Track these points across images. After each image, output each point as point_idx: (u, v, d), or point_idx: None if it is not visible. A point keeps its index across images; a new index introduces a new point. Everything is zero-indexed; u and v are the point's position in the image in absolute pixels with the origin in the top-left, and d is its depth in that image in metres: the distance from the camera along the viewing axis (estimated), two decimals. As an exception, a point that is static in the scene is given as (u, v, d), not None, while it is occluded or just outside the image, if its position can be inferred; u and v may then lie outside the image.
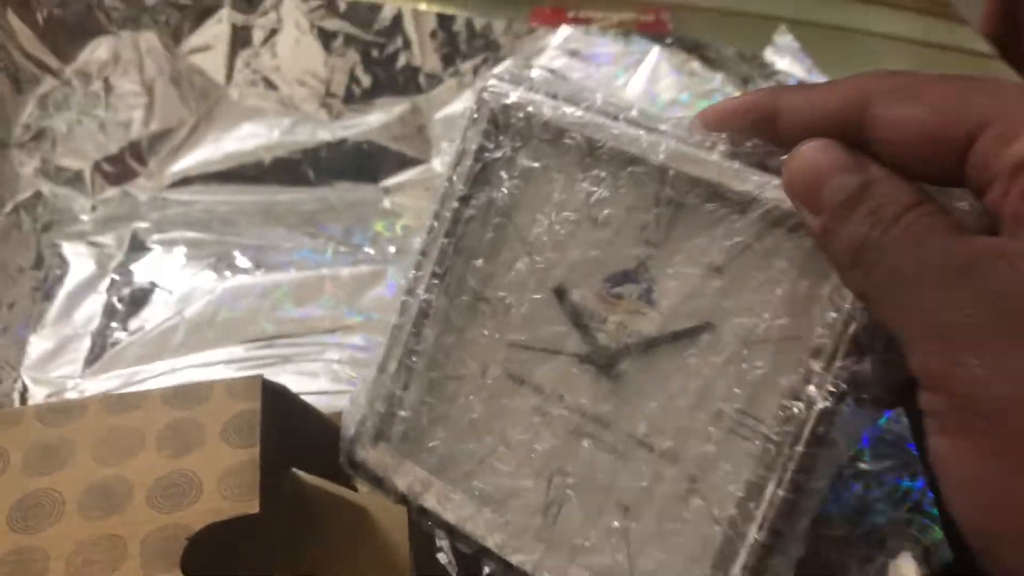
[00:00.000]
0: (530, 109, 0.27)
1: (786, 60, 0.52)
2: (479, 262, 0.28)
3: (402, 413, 0.30)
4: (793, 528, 0.23)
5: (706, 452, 0.24)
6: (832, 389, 0.22)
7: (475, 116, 0.28)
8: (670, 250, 0.26)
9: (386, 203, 0.51)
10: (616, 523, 0.26)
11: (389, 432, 0.30)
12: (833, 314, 0.22)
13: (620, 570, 0.25)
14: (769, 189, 0.24)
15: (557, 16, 0.67)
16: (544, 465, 0.27)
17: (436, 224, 0.28)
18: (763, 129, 0.24)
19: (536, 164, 0.28)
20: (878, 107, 0.22)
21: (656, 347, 0.26)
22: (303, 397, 0.37)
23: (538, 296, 0.28)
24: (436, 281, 0.28)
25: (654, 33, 0.65)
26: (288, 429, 0.33)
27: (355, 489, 0.36)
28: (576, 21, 0.67)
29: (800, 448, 0.22)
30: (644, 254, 0.26)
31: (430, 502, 0.28)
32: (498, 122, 0.28)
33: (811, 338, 0.23)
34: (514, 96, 0.28)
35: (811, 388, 0.23)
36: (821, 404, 0.22)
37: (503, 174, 0.28)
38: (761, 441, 0.23)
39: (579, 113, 0.27)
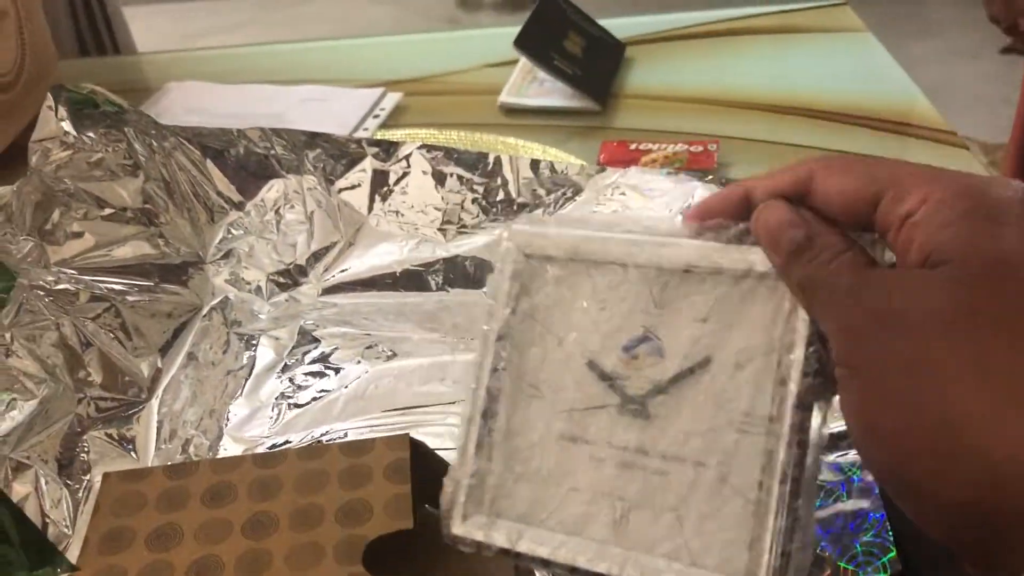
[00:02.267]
0: (544, 242, 0.33)
1: None
2: (527, 354, 0.33)
3: (490, 481, 0.33)
4: (803, 495, 0.27)
5: (727, 452, 0.29)
6: (806, 370, 0.28)
7: (507, 248, 0.33)
8: (669, 312, 0.30)
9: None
10: (670, 521, 0.29)
11: (481, 499, 0.33)
12: (800, 319, 0.28)
13: (683, 552, 0.29)
14: (744, 259, 0.29)
15: (621, 147, 0.74)
16: (607, 494, 0.31)
17: (489, 329, 0.33)
18: (740, 212, 0.29)
19: (558, 275, 0.32)
20: (819, 179, 0.28)
21: (672, 385, 0.30)
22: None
23: (576, 371, 0.32)
24: (497, 372, 0.33)
25: (699, 169, 0.73)
26: (424, 472, 0.39)
27: None
28: (636, 153, 0.74)
29: (790, 420, 0.28)
30: (649, 322, 0.31)
31: (525, 546, 0.31)
32: (524, 252, 0.33)
33: (783, 343, 0.28)
34: (534, 232, 0.33)
35: (793, 373, 0.28)
36: (801, 382, 0.28)
37: (533, 287, 0.33)
38: (764, 429, 0.28)
39: (584, 233, 0.32)
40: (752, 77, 0.86)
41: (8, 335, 0.49)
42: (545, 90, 0.82)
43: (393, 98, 0.84)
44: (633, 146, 0.74)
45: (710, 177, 0.60)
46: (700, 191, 0.59)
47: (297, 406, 0.52)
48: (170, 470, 0.41)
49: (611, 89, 0.84)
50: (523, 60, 0.85)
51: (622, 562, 0.30)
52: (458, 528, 0.33)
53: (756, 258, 0.29)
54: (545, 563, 0.31)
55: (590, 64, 0.82)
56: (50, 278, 0.54)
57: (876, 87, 0.83)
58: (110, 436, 0.51)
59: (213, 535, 0.38)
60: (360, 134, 0.75)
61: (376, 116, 0.81)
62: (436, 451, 0.44)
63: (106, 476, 0.41)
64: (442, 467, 0.43)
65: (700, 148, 0.73)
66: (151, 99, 0.88)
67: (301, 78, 0.90)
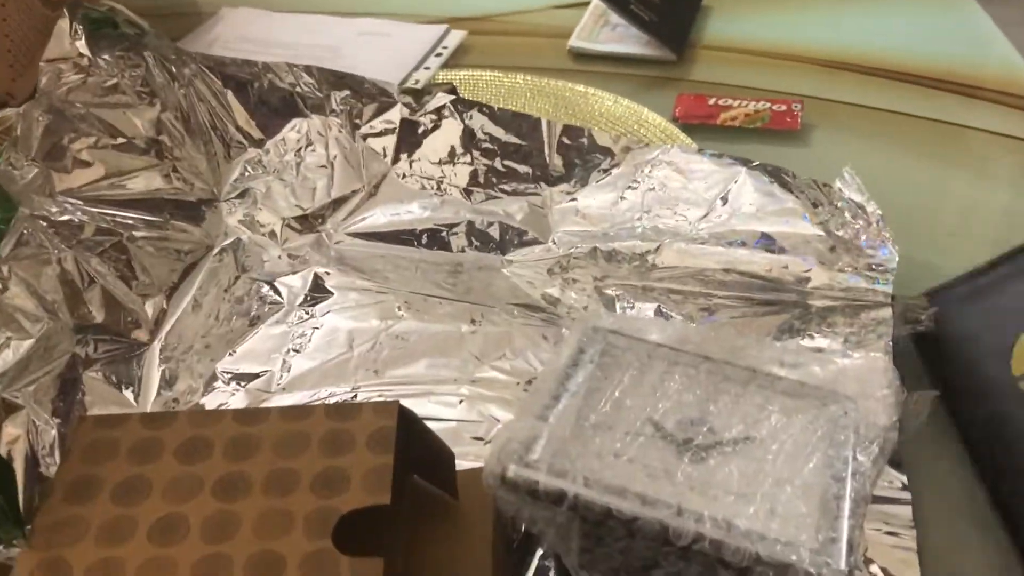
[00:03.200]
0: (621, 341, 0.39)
1: (852, 190, 0.55)
2: (593, 393, 0.37)
3: (548, 442, 0.35)
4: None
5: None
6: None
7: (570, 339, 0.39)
8: (719, 405, 0.36)
9: (506, 272, 0.55)
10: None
11: (536, 452, 0.35)
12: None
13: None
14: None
15: (699, 101, 0.71)
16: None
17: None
18: None
19: (632, 362, 0.38)
20: None
21: (727, 447, 0.35)
22: (439, 423, 0.44)
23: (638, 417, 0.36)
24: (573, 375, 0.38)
25: (782, 130, 0.69)
26: (412, 442, 0.39)
27: (455, 496, 0.43)
28: (715, 109, 0.71)
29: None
30: (708, 408, 0.36)
31: (586, 492, 0.33)
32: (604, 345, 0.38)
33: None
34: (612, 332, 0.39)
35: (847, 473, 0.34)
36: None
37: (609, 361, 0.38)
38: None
39: (656, 343, 0.39)
40: (840, 34, 0.82)
41: (5, 268, 0.49)
42: (618, 36, 0.79)
43: (457, 36, 0.81)
44: (712, 101, 0.72)
45: (755, 164, 0.57)
46: (744, 176, 0.56)
47: (305, 361, 0.51)
48: (147, 419, 0.40)
49: (688, 38, 0.81)
50: (595, 2, 0.82)
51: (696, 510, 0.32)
52: (512, 472, 0.34)
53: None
54: (606, 512, 0.33)
55: (667, 10, 0.79)
56: (54, 208, 0.53)
57: (974, 51, 0.78)
58: (109, 379, 0.51)
59: (182, 493, 0.37)
60: (421, 73, 0.73)
61: (438, 55, 0.78)
62: (440, 422, 0.43)
63: (81, 419, 0.41)
64: (432, 441, 0.42)
65: (783, 107, 0.70)
66: (204, 25, 0.86)
67: (361, 10, 0.87)
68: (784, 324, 0.50)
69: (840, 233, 0.53)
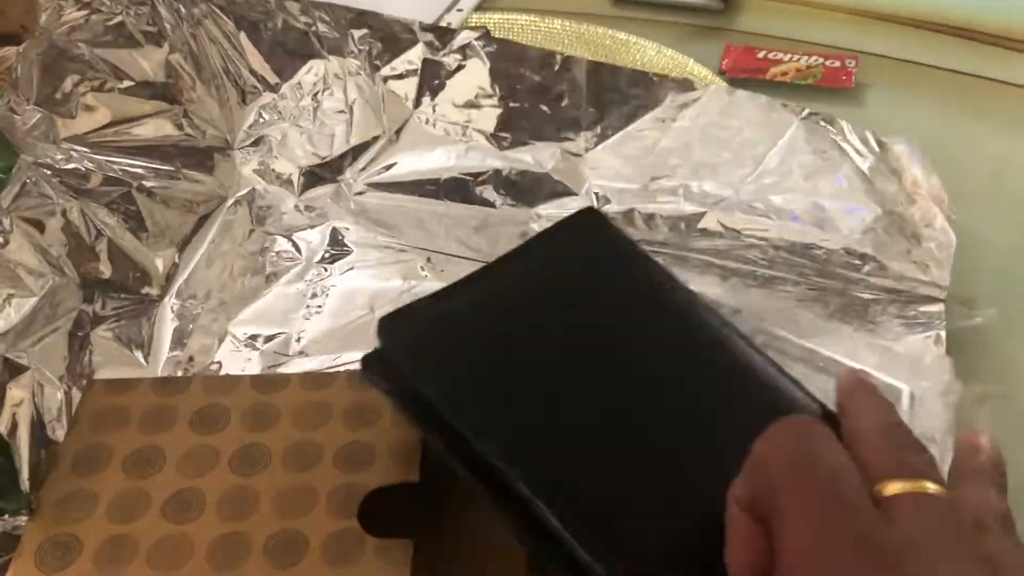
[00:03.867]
0: None
1: (911, 159, 0.52)
2: None
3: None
4: None
5: None
6: None
7: None
8: None
9: (535, 227, 0.53)
10: None
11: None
12: None
13: None
14: None
15: (748, 54, 0.68)
16: None
17: None
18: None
19: None
20: None
21: None
22: None
23: None
24: None
25: (835, 87, 0.66)
26: None
27: None
28: (765, 63, 0.68)
29: None
30: None
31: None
32: None
33: None
34: None
35: None
36: None
37: None
38: None
39: None
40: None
41: (7, 220, 0.47)
42: (663, -20, 0.76)
43: (493, -25, 0.77)
44: (761, 54, 0.69)
45: (806, 112, 0.54)
46: (795, 130, 0.53)
47: (323, 323, 0.49)
48: (160, 384, 0.39)
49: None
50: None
51: None
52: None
53: None
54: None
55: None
56: (59, 156, 0.51)
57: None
58: (118, 337, 0.49)
59: (198, 465, 0.35)
60: (453, 15, 0.70)
61: (472, -6, 0.74)
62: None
63: (89, 384, 0.39)
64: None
65: (837, 63, 0.67)
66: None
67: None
68: (833, 308, 0.48)
69: (897, 209, 0.50)
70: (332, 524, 0.33)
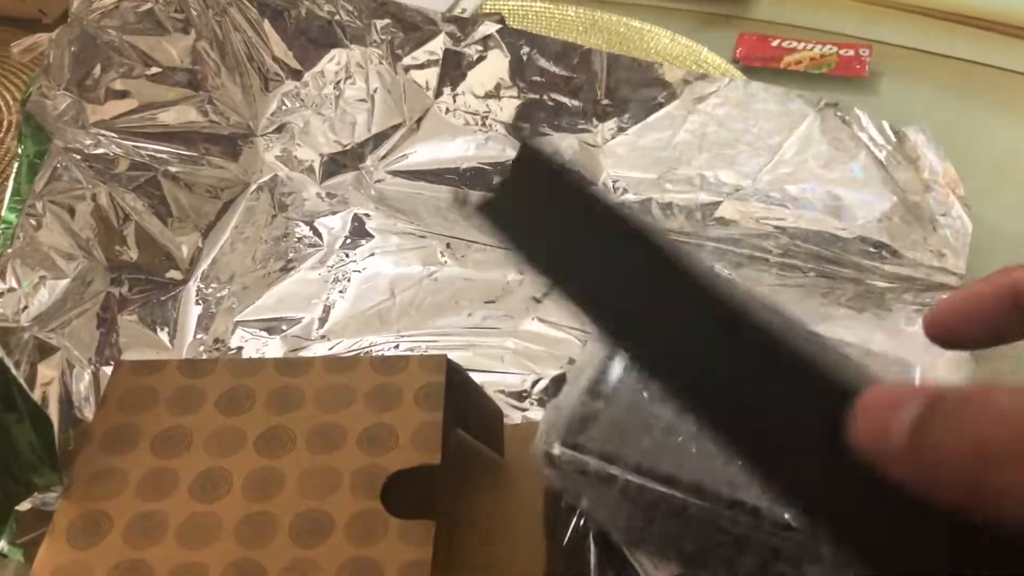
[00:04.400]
0: None
1: (927, 148, 0.52)
2: None
3: (599, 420, 0.33)
4: None
5: None
6: None
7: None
8: None
9: None
10: None
11: (587, 431, 0.33)
12: None
13: None
14: None
15: (762, 42, 0.68)
16: None
17: None
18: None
19: None
20: None
21: None
22: (483, 375, 0.43)
23: None
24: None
25: (849, 76, 0.66)
26: (459, 398, 0.38)
27: (502, 454, 0.42)
28: (779, 51, 0.68)
29: None
30: None
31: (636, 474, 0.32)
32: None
33: None
34: None
35: None
36: None
37: None
38: None
39: None
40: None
41: (39, 204, 0.48)
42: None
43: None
44: (775, 43, 0.69)
45: (823, 103, 0.54)
46: (811, 121, 0.53)
47: (345, 308, 0.50)
48: (186, 366, 0.39)
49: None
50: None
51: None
52: (560, 452, 0.33)
53: None
54: (658, 498, 0.31)
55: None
56: (88, 141, 0.52)
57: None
58: (144, 320, 0.50)
59: (224, 446, 0.36)
60: (468, 1, 0.70)
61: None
62: (483, 374, 0.41)
63: (118, 365, 0.40)
64: (479, 397, 0.40)
65: (851, 52, 0.67)
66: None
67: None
68: (848, 295, 0.48)
69: (913, 198, 0.50)
70: (356, 504, 0.33)
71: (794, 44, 0.68)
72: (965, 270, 0.49)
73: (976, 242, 0.49)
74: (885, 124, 0.53)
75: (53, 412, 0.43)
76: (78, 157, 0.51)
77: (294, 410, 0.37)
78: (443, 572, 0.33)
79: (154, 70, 0.55)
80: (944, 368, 0.44)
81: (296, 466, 0.35)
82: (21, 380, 0.35)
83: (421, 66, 0.58)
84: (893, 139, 0.53)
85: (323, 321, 0.49)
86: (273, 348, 0.48)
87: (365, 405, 0.37)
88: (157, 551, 0.32)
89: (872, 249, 0.49)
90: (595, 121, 0.56)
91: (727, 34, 0.70)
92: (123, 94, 0.54)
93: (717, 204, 0.53)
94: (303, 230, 0.55)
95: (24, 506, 0.37)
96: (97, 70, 0.53)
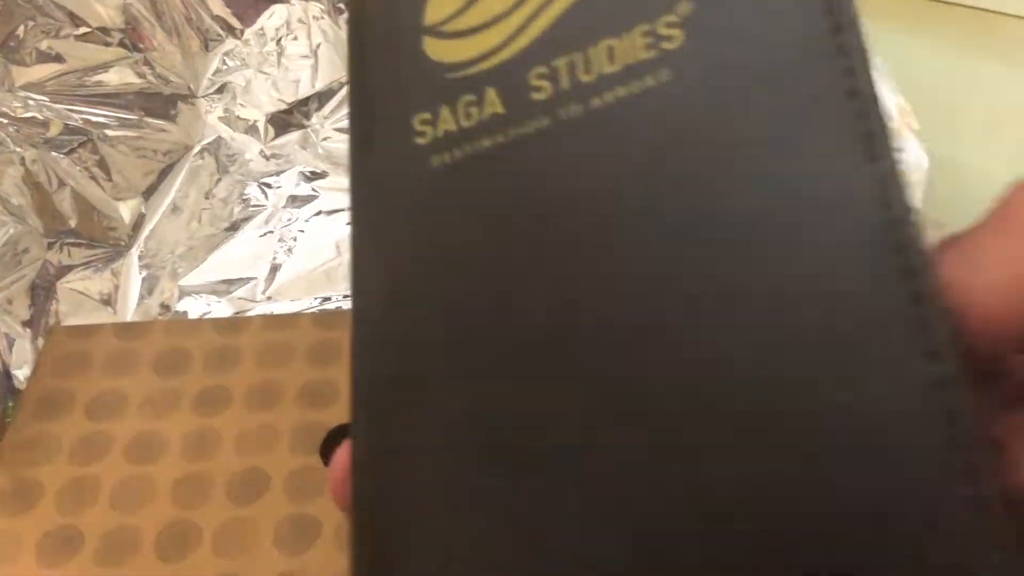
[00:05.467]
0: None
1: (880, 81, 0.52)
2: None
3: None
4: None
5: None
6: None
7: None
8: None
9: None
10: None
11: None
12: None
13: None
14: None
15: None
16: None
17: None
18: None
19: None
20: None
21: None
22: None
23: None
24: None
25: None
26: None
27: None
28: None
29: None
30: None
31: None
32: None
33: None
34: None
35: None
36: None
37: None
38: None
39: None
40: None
41: (-36, 167, 0.46)
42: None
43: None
44: None
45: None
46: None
47: (291, 268, 0.49)
48: (122, 329, 0.38)
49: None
50: None
51: None
52: None
53: None
54: None
55: None
56: (15, 104, 0.50)
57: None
58: (84, 287, 0.48)
59: (160, 408, 0.35)
60: None
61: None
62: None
63: (52, 331, 0.39)
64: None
65: None
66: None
67: None
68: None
69: None
70: (293, 461, 0.33)
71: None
72: (920, 204, 0.48)
73: (932, 175, 0.49)
74: None
75: (-9, 383, 0.42)
76: (5, 121, 0.49)
77: (232, 369, 0.36)
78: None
79: (84, 30, 0.53)
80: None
81: (234, 425, 0.34)
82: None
83: (363, 19, 0.56)
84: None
85: (269, 282, 0.48)
86: (219, 311, 0.46)
87: (305, 361, 0.36)
88: (90, 516, 0.31)
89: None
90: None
91: None
92: (52, 56, 0.52)
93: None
94: (248, 191, 0.53)
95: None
96: (21, 30, 0.51)
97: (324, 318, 0.38)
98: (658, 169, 0.17)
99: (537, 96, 0.19)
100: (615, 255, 0.17)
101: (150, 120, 0.55)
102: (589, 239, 0.17)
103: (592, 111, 0.18)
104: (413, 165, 0.21)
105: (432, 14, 0.22)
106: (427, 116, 0.21)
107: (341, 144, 0.55)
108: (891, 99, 0.50)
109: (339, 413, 0.34)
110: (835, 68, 0.16)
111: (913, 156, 0.49)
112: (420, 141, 0.21)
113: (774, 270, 0.15)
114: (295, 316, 0.38)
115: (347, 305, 0.46)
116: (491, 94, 0.20)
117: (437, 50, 0.22)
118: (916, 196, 0.48)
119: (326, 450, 0.33)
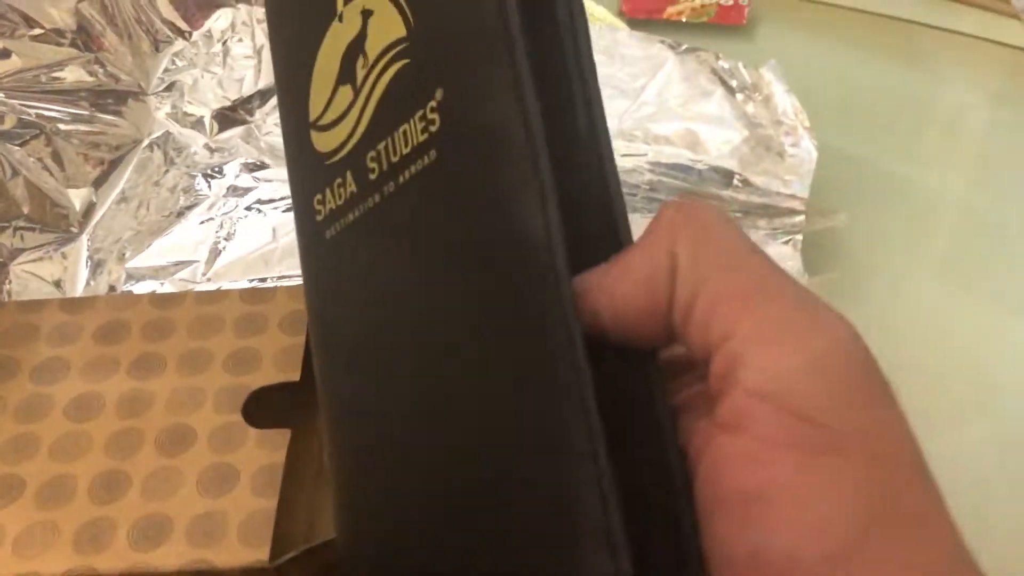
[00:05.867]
0: None
1: (778, 82, 0.56)
2: None
3: None
4: None
5: None
6: None
7: None
8: None
9: None
10: None
11: None
12: None
13: None
14: None
15: None
16: None
17: None
18: None
19: None
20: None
21: None
22: None
23: None
24: None
25: (727, 24, 0.70)
26: None
27: None
28: (663, 2, 0.70)
29: None
30: None
31: None
32: None
33: None
34: None
35: None
36: None
37: None
38: None
39: None
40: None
41: (-79, 158, 0.49)
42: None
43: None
44: (658, -6, 0.72)
45: (683, 47, 0.57)
46: (672, 64, 0.57)
47: (230, 252, 0.52)
48: (67, 303, 0.41)
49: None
50: None
51: None
52: None
53: None
54: None
55: None
56: (-29, 99, 0.53)
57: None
58: (36, 270, 0.52)
59: (99, 372, 0.38)
60: None
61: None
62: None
63: (2, 305, 0.42)
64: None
65: (731, 1, 0.70)
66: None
67: None
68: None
69: (764, 131, 0.54)
70: (218, 419, 0.36)
71: (676, -6, 0.71)
72: (807, 195, 0.52)
73: (822, 167, 0.53)
74: (740, 64, 0.57)
75: (-55, 358, 0.45)
76: (-38, 115, 0.52)
77: (166, 338, 0.40)
78: (298, 474, 0.36)
79: (37, 31, 0.56)
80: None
81: (165, 387, 0.38)
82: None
83: (304, 22, 0.60)
84: (747, 78, 0.57)
85: (210, 265, 0.51)
86: (162, 292, 0.50)
87: (233, 332, 0.40)
88: (30, 465, 0.34)
89: (724, 178, 0.53)
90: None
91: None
92: (6, 53, 0.55)
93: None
94: (193, 182, 0.56)
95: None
96: (-23, 30, 0.54)
97: (250, 294, 0.42)
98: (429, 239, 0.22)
99: (372, 176, 0.24)
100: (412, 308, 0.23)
101: (101, 116, 0.58)
102: (399, 300, 0.24)
103: (399, 187, 0.24)
104: (315, 238, 0.28)
105: (312, 111, 0.28)
106: (319, 197, 0.27)
107: (278, 140, 0.59)
108: (786, 99, 0.55)
109: (260, 378, 0.38)
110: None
111: (804, 150, 0.54)
112: (318, 218, 0.28)
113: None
114: (225, 292, 0.42)
115: (282, 285, 0.50)
116: (348, 176, 0.26)
117: (318, 141, 0.27)
118: (804, 188, 0.52)
119: (248, 409, 0.36)
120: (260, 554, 0.31)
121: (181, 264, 0.52)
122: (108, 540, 0.32)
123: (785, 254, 0.50)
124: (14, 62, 0.55)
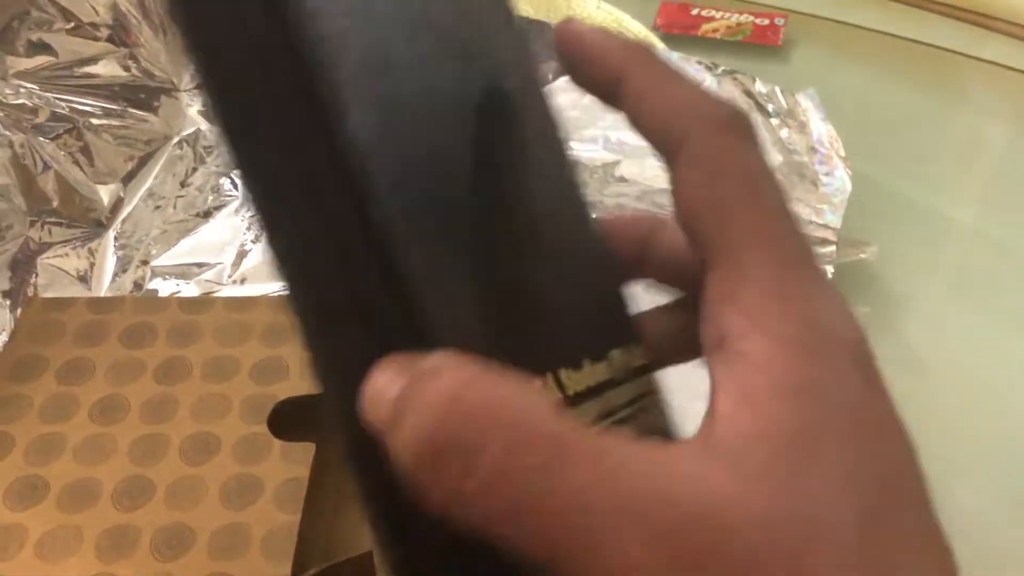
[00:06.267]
0: None
1: (815, 110, 0.55)
2: None
3: None
4: None
5: None
6: None
7: None
8: None
9: None
10: None
11: None
12: None
13: None
14: None
15: (682, 11, 0.70)
16: None
17: None
18: None
19: None
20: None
21: None
22: None
23: None
24: None
25: (763, 44, 0.69)
26: None
27: None
28: (698, 19, 0.70)
29: None
30: None
31: None
32: None
33: None
34: None
35: None
36: None
37: None
38: None
39: None
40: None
41: (-46, 148, 0.49)
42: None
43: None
44: (695, 11, 0.71)
45: (721, 69, 0.57)
46: (709, 84, 0.56)
47: (257, 255, 0.52)
48: (95, 303, 0.41)
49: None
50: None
51: None
52: None
53: None
54: None
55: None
56: (7, 91, 0.53)
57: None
58: (62, 264, 0.52)
59: (124, 375, 0.38)
60: None
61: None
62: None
63: (29, 301, 0.42)
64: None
65: (766, 21, 0.70)
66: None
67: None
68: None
69: (798, 158, 0.54)
70: (243, 428, 0.36)
71: (712, 13, 0.71)
72: (840, 225, 0.52)
73: (856, 197, 0.53)
74: (777, 89, 0.57)
75: (-30, 349, 0.45)
76: (-2, 106, 0.52)
77: (193, 343, 0.39)
78: (322, 490, 0.35)
79: (73, 24, 0.56)
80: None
81: (190, 394, 0.37)
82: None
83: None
84: (784, 103, 0.56)
85: (236, 266, 0.51)
86: (187, 292, 0.49)
87: (260, 340, 0.40)
88: (55, 467, 0.34)
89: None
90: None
91: (650, 3, 0.72)
92: (44, 47, 0.55)
93: (617, 163, 0.55)
94: (221, 181, 0.56)
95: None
96: (15, 23, 0.54)
97: (280, 302, 0.41)
98: None
99: None
100: None
101: (133, 111, 0.58)
102: None
103: None
104: None
105: None
106: None
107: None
108: (822, 127, 0.54)
109: (287, 388, 0.38)
110: None
111: (838, 179, 0.53)
112: None
113: None
114: (253, 299, 0.42)
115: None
116: None
117: None
118: (836, 219, 0.52)
119: (273, 420, 0.36)
120: (282, 569, 0.31)
121: (207, 265, 0.51)
122: (130, 548, 0.32)
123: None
124: (51, 55, 0.55)
